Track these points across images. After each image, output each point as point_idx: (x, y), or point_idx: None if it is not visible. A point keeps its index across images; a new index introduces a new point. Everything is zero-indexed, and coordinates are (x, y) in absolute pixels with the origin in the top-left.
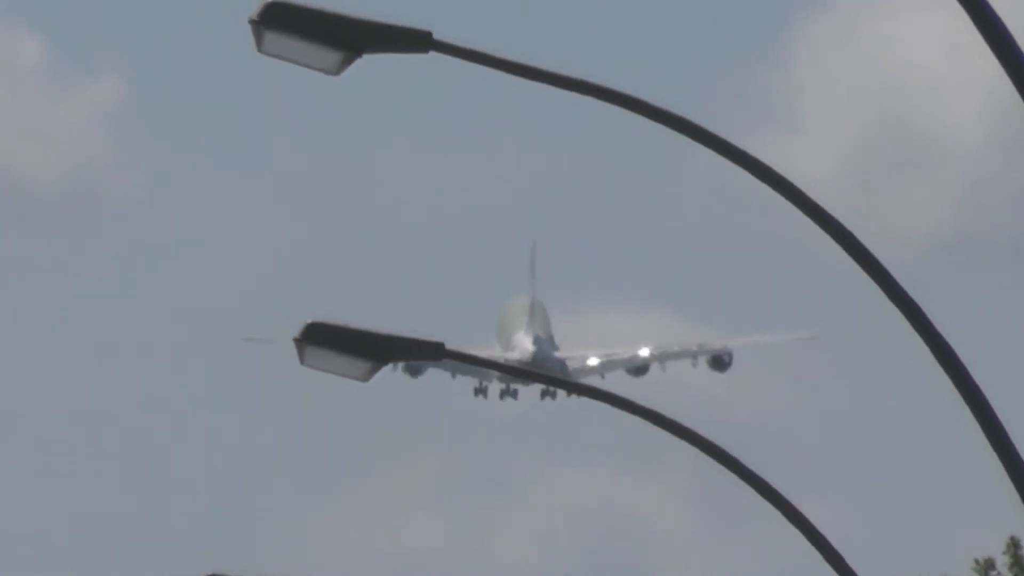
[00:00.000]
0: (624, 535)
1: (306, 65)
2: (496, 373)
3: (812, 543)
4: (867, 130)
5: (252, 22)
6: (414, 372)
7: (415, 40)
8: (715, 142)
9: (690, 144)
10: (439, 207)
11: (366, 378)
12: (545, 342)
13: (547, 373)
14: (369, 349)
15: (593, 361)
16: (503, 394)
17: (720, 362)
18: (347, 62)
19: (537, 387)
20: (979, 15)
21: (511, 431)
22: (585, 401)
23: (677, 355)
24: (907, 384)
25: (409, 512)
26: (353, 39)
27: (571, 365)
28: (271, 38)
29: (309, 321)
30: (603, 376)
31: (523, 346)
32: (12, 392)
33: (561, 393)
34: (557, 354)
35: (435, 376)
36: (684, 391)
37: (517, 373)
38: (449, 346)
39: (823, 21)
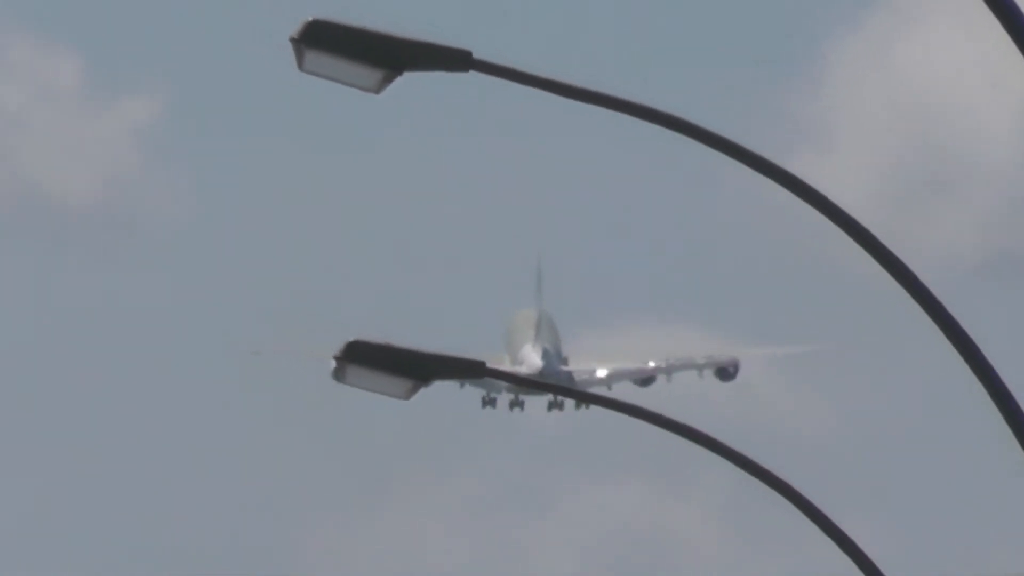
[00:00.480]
0: (655, 550)
1: (347, 83)
2: (505, 384)
3: (849, 556)
4: (901, 149)
5: (293, 41)
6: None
7: (456, 59)
8: (754, 160)
9: (731, 163)
10: (473, 222)
11: (407, 396)
12: (553, 356)
13: (553, 400)
14: (410, 368)
15: (601, 373)
16: (511, 405)
17: (726, 373)
18: (388, 80)
19: (543, 398)
20: (1016, 34)
21: (531, 446)
22: (596, 413)
23: (684, 366)
24: (942, 398)
25: (437, 530)
26: (394, 57)
27: (578, 377)
28: (312, 56)
29: (350, 339)
30: (610, 387)
31: (531, 360)
32: (45, 407)
33: (569, 404)
34: (565, 367)
35: (440, 386)
36: (710, 405)
37: (557, 391)
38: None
39: (857, 40)
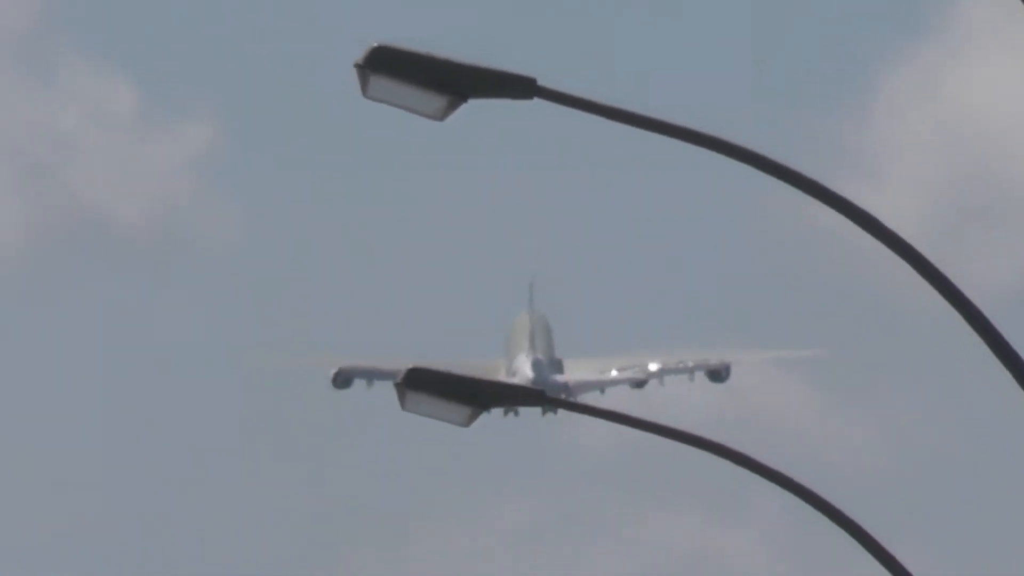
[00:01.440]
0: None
1: (411, 110)
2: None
3: None
4: (950, 178)
5: (358, 66)
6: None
7: (520, 86)
8: (812, 187)
9: (787, 190)
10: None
11: (466, 423)
12: (544, 366)
13: (546, 406)
14: (470, 395)
15: (593, 378)
16: (506, 411)
17: (718, 375)
18: (452, 107)
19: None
20: None
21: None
22: (627, 434)
23: (676, 370)
24: (995, 423)
25: (479, 557)
26: (459, 84)
27: (572, 384)
28: (377, 82)
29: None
30: (603, 391)
31: (523, 372)
32: (93, 431)
33: (535, 413)
34: (559, 377)
35: None
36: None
37: (615, 418)
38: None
39: (907, 69)
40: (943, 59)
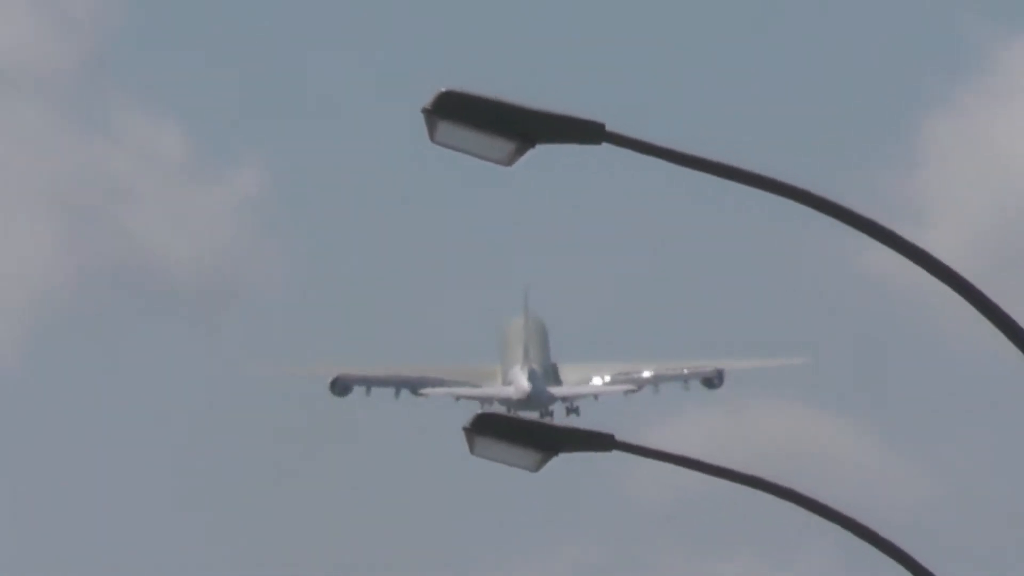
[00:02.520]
0: None
1: (478, 155)
2: (499, 396)
3: None
4: (995, 224)
5: (426, 111)
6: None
7: (589, 131)
8: (874, 229)
9: (849, 232)
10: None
11: (536, 468)
12: (540, 377)
13: (544, 409)
14: (539, 439)
15: (588, 390)
16: (509, 409)
17: (711, 383)
18: (520, 153)
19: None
20: None
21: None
22: (675, 476)
23: (670, 377)
24: None
25: None
26: (527, 129)
27: (566, 394)
28: (445, 127)
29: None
30: (597, 398)
31: (519, 383)
32: (147, 474)
33: (559, 413)
34: (554, 390)
35: (437, 400)
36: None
37: (681, 462)
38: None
39: (952, 115)
40: (989, 102)
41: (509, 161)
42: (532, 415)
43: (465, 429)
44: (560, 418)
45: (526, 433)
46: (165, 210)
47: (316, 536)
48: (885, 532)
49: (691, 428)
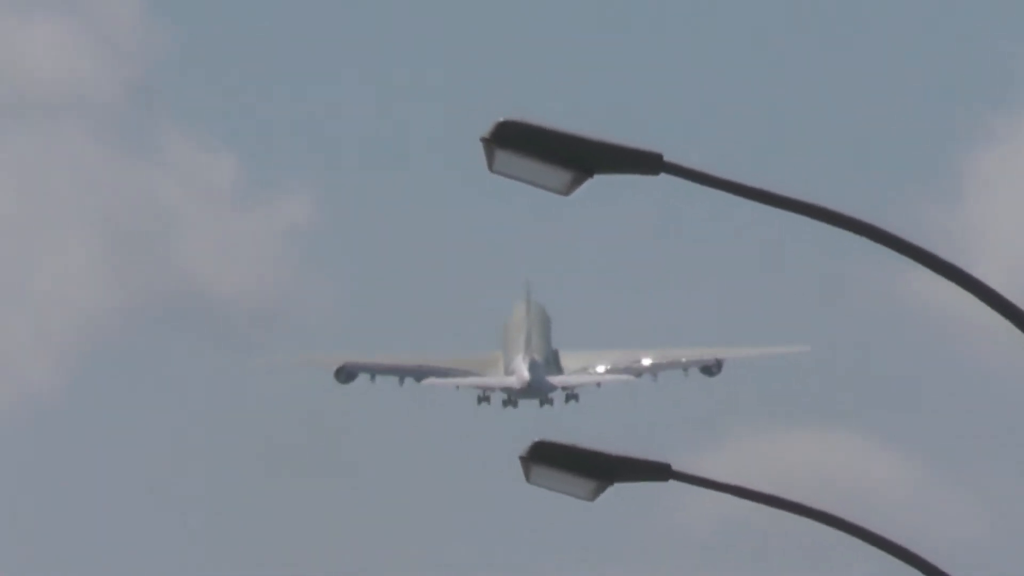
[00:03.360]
0: None
1: (537, 185)
2: (498, 384)
3: None
4: None
5: (484, 141)
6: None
7: (646, 162)
8: (934, 262)
9: (912, 266)
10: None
11: (591, 498)
12: (541, 367)
13: (544, 398)
14: (595, 469)
15: (588, 379)
16: (505, 403)
17: (710, 371)
18: (578, 182)
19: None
20: None
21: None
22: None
23: (669, 365)
24: None
25: None
26: (585, 159)
27: (568, 383)
28: (503, 157)
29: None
30: (599, 386)
31: (520, 373)
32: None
33: (558, 401)
34: (554, 379)
35: (436, 387)
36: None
37: (741, 493)
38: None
39: (994, 150)
40: None
41: (567, 191)
42: (533, 402)
43: (521, 458)
44: (559, 406)
45: (582, 462)
46: (213, 237)
47: (339, 537)
48: (933, 559)
49: (740, 455)
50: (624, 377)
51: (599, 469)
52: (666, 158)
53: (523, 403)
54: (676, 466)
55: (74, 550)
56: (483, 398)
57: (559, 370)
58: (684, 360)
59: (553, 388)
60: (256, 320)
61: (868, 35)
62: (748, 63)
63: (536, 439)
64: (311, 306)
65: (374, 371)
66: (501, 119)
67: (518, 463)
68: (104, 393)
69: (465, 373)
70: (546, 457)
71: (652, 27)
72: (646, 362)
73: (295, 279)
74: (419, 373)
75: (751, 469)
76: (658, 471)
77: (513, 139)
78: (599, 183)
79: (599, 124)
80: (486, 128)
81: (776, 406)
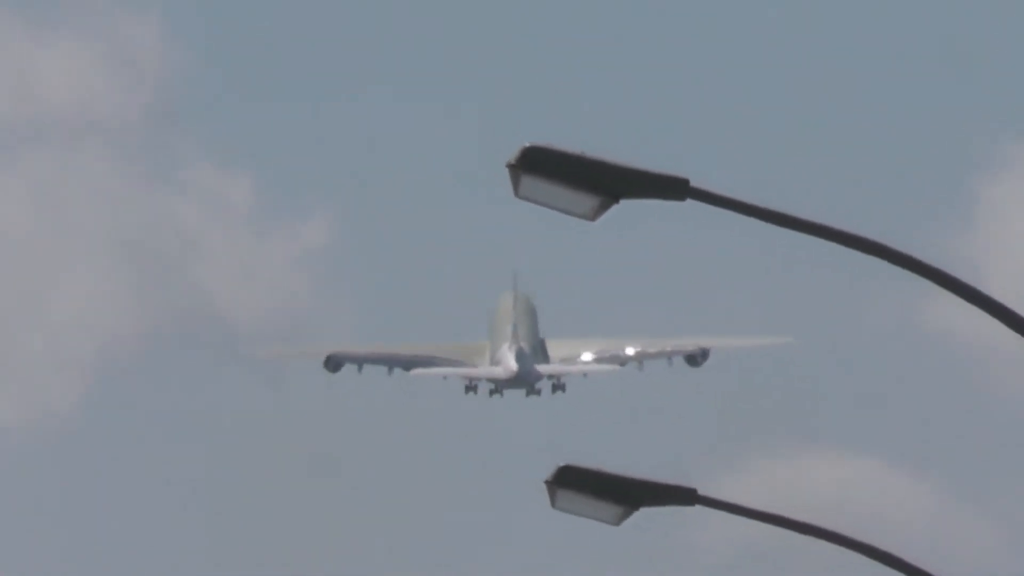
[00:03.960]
0: None
1: (562, 210)
2: (485, 374)
3: None
4: None
5: (510, 166)
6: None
7: (673, 187)
8: (960, 287)
9: (933, 288)
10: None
11: (617, 523)
12: (528, 357)
13: (531, 387)
14: (621, 494)
15: (575, 368)
16: (491, 392)
17: (694, 360)
18: (604, 208)
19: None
20: None
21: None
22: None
23: (654, 355)
24: None
25: None
26: (611, 185)
27: (554, 372)
28: (529, 182)
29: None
30: (585, 376)
31: (507, 363)
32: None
33: (545, 390)
34: (541, 368)
35: (423, 377)
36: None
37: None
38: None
39: (1006, 177)
40: None
41: (593, 216)
42: (519, 391)
43: (547, 483)
44: (547, 395)
45: (608, 487)
46: (233, 260)
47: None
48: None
49: (765, 479)
50: (610, 367)
51: (625, 494)
52: (692, 183)
53: (509, 392)
54: (702, 491)
55: (91, 566)
56: (470, 387)
57: (546, 359)
58: (669, 349)
59: (540, 377)
60: (274, 341)
61: (889, 63)
62: (770, 89)
63: (562, 464)
64: (330, 327)
65: (361, 361)
66: (526, 144)
67: (541, 484)
68: (123, 413)
69: (451, 362)
70: (572, 482)
71: (677, 53)
72: (631, 351)
73: (315, 299)
74: (406, 362)
75: (776, 492)
76: (684, 496)
77: (539, 165)
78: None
79: (622, 148)
80: (510, 151)
81: (795, 427)
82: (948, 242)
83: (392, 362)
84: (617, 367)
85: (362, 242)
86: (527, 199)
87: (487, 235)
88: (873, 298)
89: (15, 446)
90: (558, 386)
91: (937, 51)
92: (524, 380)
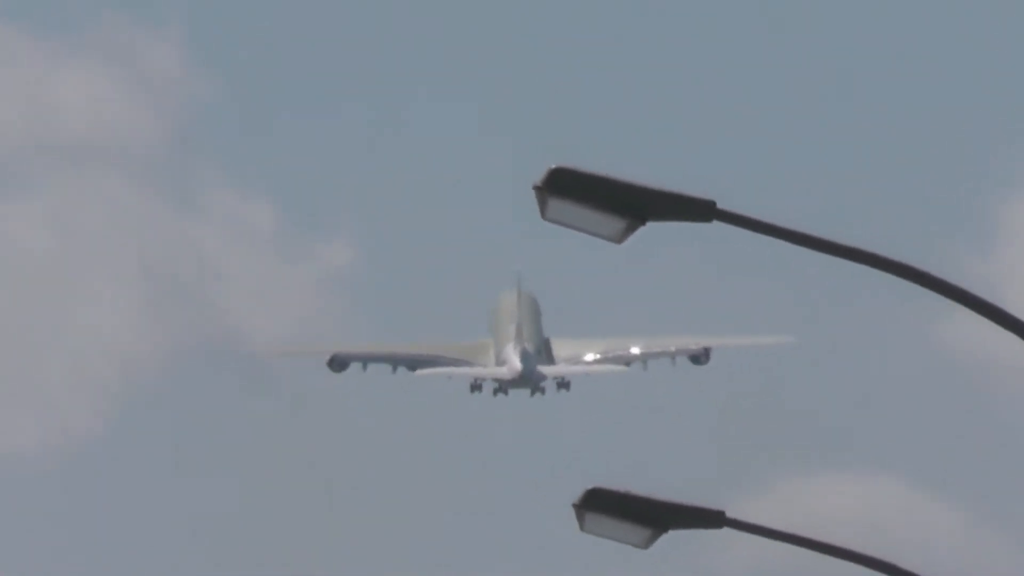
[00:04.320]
0: None
1: (589, 232)
2: (490, 374)
3: None
4: None
5: (537, 188)
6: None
7: (700, 209)
8: (989, 310)
9: (956, 308)
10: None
11: (645, 545)
12: (532, 357)
13: (535, 386)
14: (650, 516)
15: (579, 368)
16: (496, 391)
17: (698, 359)
18: (631, 230)
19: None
20: None
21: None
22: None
23: (657, 354)
24: None
25: None
26: (638, 207)
27: (558, 373)
28: (555, 205)
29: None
30: (588, 374)
31: (511, 363)
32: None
33: (550, 388)
34: (545, 369)
35: (430, 377)
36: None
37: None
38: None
39: None
40: None
41: (620, 239)
42: (524, 391)
43: (575, 506)
44: (551, 393)
45: (637, 510)
46: (253, 283)
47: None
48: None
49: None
50: (615, 367)
51: (653, 516)
52: (719, 205)
53: (514, 392)
54: (730, 513)
55: None
56: (475, 387)
57: (550, 358)
58: (673, 349)
59: (544, 377)
60: (297, 367)
61: (913, 83)
62: (791, 110)
63: (590, 486)
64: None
65: (366, 360)
66: (553, 166)
67: (572, 510)
68: (142, 440)
69: (455, 360)
70: (600, 505)
71: (700, 75)
72: (635, 351)
73: (337, 324)
74: (411, 361)
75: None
76: (712, 519)
77: (565, 187)
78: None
79: (651, 170)
80: (536, 174)
81: (820, 451)
82: (967, 260)
83: (397, 361)
84: (623, 367)
85: (371, 246)
86: (554, 221)
87: (490, 234)
88: (897, 315)
89: (36, 470)
90: (562, 385)
91: (960, 71)
92: (528, 380)
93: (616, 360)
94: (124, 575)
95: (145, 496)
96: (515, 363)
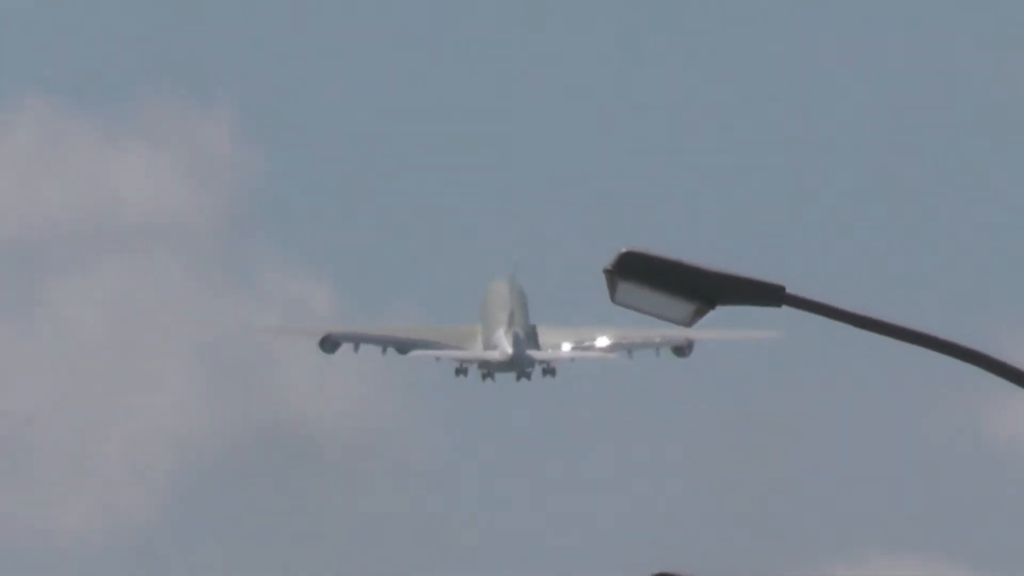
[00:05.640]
0: None
1: (658, 315)
2: (480, 357)
3: None
4: None
5: (607, 272)
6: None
7: (769, 294)
8: None
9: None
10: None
11: (689, 322)
12: (523, 341)
13: (522, 371)
14: (696, 288)
15: (565, 354)
16: (483, 376)
17: (681, 350)
18: (700, 314)
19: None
20: None
21: None
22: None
23: (641, 344)
24: None
25: None
26: (707, 291)
27: (547, 358)
28: (625, 288)
29: (623, 249)
30: (573, 360)
31: (503, 347)
32: None
33: (536, 373)
34: (535, 353)
35: (417, 359)
36: None
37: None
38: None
39: None
40: None
41: (690, 322)
42: (510, 375)
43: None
44: (537, 379)
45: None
46: (307, 366)
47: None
48: None
49: None
50: (601, 354)
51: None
52: (788, 290)
53: (500, 376)
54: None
55: None
56: (460, 370)
57: (537, 346)
58: (657, 340)
59: (532, 362)
60: (354, 452)
61: (973, 168)
62: (858, 195)
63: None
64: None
65: (358, 341)
66: (623, 250)
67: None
68: (200, 525)
69: (444, 344)
70: (637, 271)
71: (770, 160)
72: (619, 340)
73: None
74: (403, 344)
75: None
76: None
77: (635, 270)
78: None
79: (719, 253)
80: (605, 258)
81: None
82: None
83: (388, 343)
84: (609, 354)
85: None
86: (622, 304)
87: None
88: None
89: (93, 555)
90: (548, 371)
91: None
92: (518, 364)
93: (600, 348)
94: None
95: None
96: (506, 347)
